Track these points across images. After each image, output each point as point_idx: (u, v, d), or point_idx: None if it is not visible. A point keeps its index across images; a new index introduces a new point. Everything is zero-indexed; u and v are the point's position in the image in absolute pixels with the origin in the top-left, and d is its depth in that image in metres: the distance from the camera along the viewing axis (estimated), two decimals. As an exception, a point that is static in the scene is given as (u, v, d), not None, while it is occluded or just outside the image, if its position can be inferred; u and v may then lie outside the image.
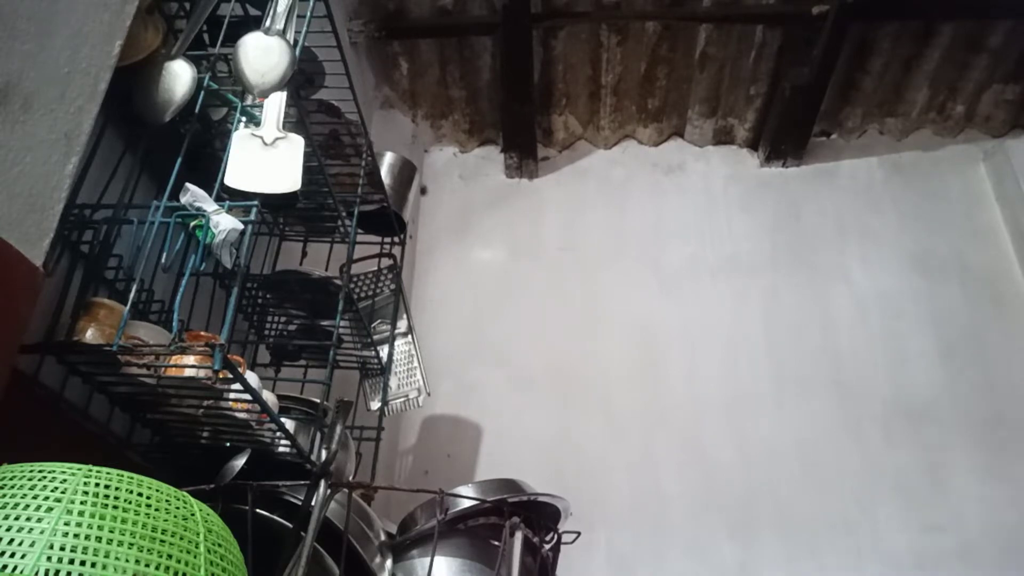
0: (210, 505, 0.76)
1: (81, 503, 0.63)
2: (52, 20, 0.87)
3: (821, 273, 2.71)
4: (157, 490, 0.69)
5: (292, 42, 1.18)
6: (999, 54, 2.63)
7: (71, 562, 0.60)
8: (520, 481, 1.44)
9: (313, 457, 1.33)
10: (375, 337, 1.87)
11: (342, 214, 1.61)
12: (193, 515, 0.70)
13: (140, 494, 0.67)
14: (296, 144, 1.17)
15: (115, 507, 0.64)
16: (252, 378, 1.20)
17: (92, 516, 0.63)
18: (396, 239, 1.97)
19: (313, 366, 1.77)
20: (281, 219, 1.77)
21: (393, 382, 1.95)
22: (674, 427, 2.46)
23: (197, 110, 1.20)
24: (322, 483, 1.20)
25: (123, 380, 1.11)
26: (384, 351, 1.88)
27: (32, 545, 0.59)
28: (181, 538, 0.67)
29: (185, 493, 0.72)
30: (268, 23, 1.18)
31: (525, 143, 2.87)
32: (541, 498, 1.42)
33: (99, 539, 0.62)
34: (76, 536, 0.61)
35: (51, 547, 0.60)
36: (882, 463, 2.39)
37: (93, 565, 0.60)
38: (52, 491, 0.64)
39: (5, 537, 0.60)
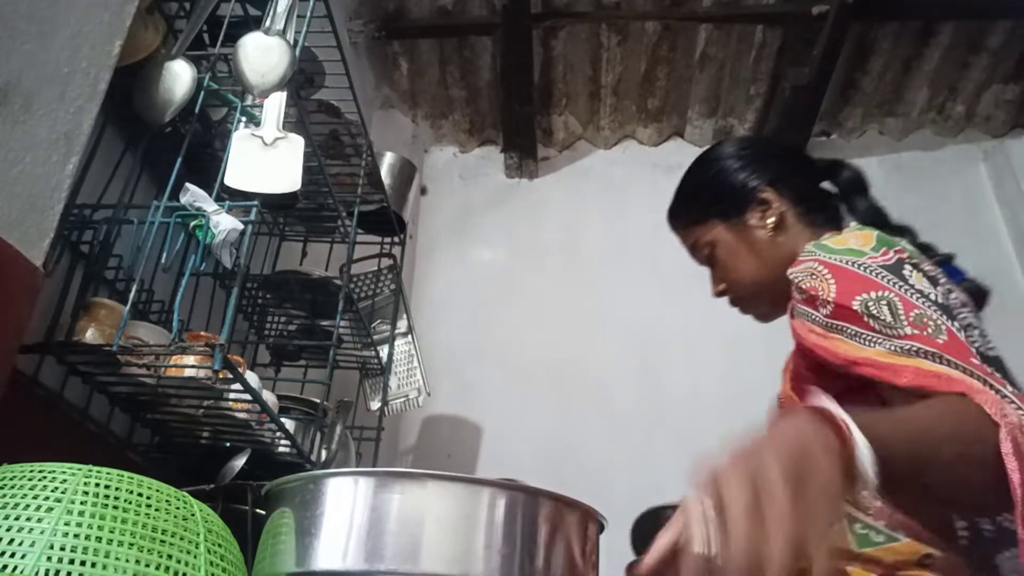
0: (210, 505, 0.76)
1: (81, 503, 0.63)
2: (52, 20, 0.88)
3: (821, 273, 2.71)
4: (157, 490, 0.69)
5: (292, 42, 1.18)
6: (999, 54, 2.63)
7: (71, 562, 0.60)
8: (520, 480, 1.44)
9: (313, 457, 1.33)
10: (375, 337, 1.87)
11: (342, 214, 1.61)
12: (193, 515, 0.70)
13: (140, 494, 0.67)
14: (296, 144, 1.17)
15: (115, 507, 0.64)
16: (252, 378, 1.20)
17: (92, 516, 0.63)
18: (396, 239, 1.97)
19: (313, 366, 1.77)
20: (281, 219, 1.78)
21: (393, 382, 1.95)
22: (674, 427, 2.46)
23: (197, 110, 1.20)
24: (322, 483, 1.20)
25: (123, 380, 1.11)
26: (384, 351, 1.88)
27: (32, 545, 0.59)
28: (181, 538, 0.67)
29: (185, 493, 0.72)
30: (268, 23, 1.18)
31: (525, 143, 2.87)
32: (541, 498, 1.41)
33: (99, 539, 0.62)
34: (76, 536, 0.61)
35: (51, 547, 0.60)
36: (882, 463, 2.38)
37: (93, 565, 0.60)
38: (52, 491, 0.64)
39: (5, 537, 0.60)
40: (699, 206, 1.20)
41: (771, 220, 1.12)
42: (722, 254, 1.18)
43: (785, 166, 1.18)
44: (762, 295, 1.16)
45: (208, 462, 1.21)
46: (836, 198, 1.18)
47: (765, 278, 1.13)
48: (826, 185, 1.19)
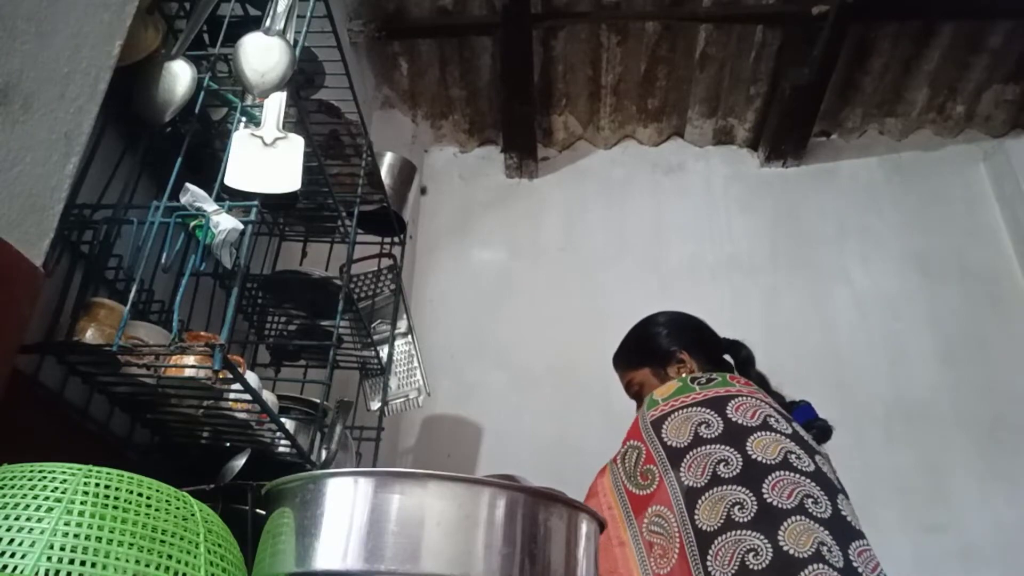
0: (210, 505, 0.76)
1: (81, 503, 0.63)
2: (52, 20, 0.87)
3: (821, 273, 2.71)
4: (157, 490, 0.69)
5: (292, 42, 1.18)
6: (999, 54, 2.63)
7: (71, 562, 0.60)
8: (519, 476, 1.44)
9: (313, 457, 1.33)
10: (375, 337, 1.87)
11: (342, 214, 1.61)
12: (193, 515, 0.70)
13: (140, 494, 0.67)
14: (296, 144, 1.17)
15: (115, 507, 0.64)
16: (252, 378, 1.20)
17: (92, 516, 0.63)
18: (396, 239, 1.97)
19: (313, 366, 1.77)
20: (281, 219, 1.77)
21: (393, 382, 1.95)
22: (674, 427, 2.46)
23: (197, 110, 1.20)
24: (322, 483, 1.20)
25: (123, 380, 1.11)
26: (384, 351, 1.88)
27: (32, 545, 0.59)
28: (181, 538, 0.67)
29: (185, 493, 0.72)
30: (268, 23, 1.18)
31: (525, 143, 2.87)
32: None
33: (99, 539, 0.62)
34: (76, 536, 0.61)
35: (51, 547, 0.60)
36: (882, 463, 2.38)
37: (93, 565, 0.60)
38: (52, 491, 0.64)
39: (5, 537, 0.60)
40: (636, 357, 1.60)
41: (684, 374, 1.49)
42: (646, 393, 1.51)
43: (698, 337, 1.58)
44: None
45: (208, 462, 1.21)
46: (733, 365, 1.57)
47: None
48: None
